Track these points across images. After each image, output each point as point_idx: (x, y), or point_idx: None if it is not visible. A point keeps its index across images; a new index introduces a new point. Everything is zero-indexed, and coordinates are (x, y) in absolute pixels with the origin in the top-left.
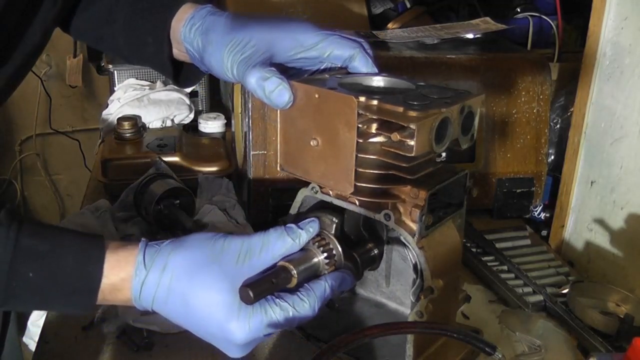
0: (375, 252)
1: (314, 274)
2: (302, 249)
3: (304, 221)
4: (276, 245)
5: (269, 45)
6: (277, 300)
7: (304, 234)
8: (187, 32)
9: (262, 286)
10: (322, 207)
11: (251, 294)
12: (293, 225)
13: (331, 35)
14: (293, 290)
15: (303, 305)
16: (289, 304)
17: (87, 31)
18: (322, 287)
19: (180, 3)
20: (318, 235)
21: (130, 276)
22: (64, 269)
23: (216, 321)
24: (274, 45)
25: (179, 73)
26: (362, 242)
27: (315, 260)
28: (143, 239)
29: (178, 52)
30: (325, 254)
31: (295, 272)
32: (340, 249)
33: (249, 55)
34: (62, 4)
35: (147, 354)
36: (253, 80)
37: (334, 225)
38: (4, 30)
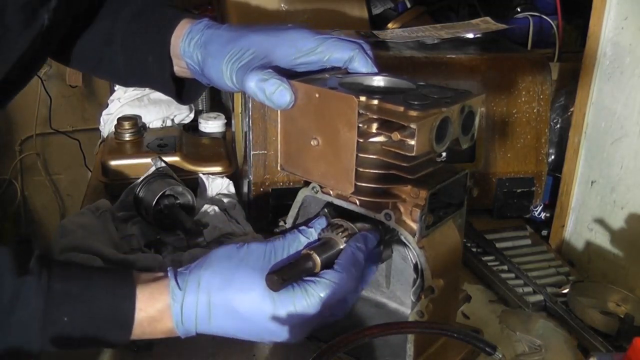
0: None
1: (335, 253)
2: (319, 239)
3: (313, 221)
4: (293, 245)
5: (267, 53)
6: (315, 278)
7: (313, 231)
8: (186, 47)
9: (287, 271)
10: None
11: (277, 278)
12: (304, 227)
13: (329, 39)
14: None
15: (339, 275)
16: (325, 278)
17: (85, 57)
18: (349, 253)
19: (178, 20)
20: (330, 224)
21: (168, 305)
22: (97, 309)
23: (264, 315)
24: (272, 52)
25: (181, 90)
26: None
27: (337, 248)
28: (170, 267)
29: (178, 69)
30: (345, 239)
31: (316, 256)
32: (352, 224)
33: (248, 62)
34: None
35: (147, 353)
36: (252, 83)
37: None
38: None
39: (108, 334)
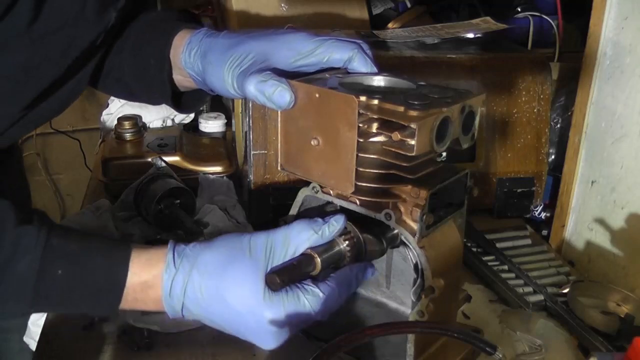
0: (396, 231)
1: (336, 261)
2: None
3: (329, 216)
4: (298, 237)
5: (266, 57)
6: (307, 286)
7: (326, 228)
8: (187, 57)
9: (288, 272)
10: None
11: (278, 279)
12: (319, 219)
13: (327, 40)
14: (319, 279)
15: (331, 290)
16: (319, 289)
17: (98, 67)
18: (347, 274)
19: (179, 28)
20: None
21: (161, 272)
22: (92, 267)
23: (252, 311)
24: (272, 56)
25: (179, 98)
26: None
27: (338, 248)
28: (171, 240)
29: (182, 78)
30: (347, 242)
31: (318, 258)
32: (362, 238)
33: (247, 68)
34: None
35: (147, 353)
36: (252, 87)
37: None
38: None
39: (99, 294)
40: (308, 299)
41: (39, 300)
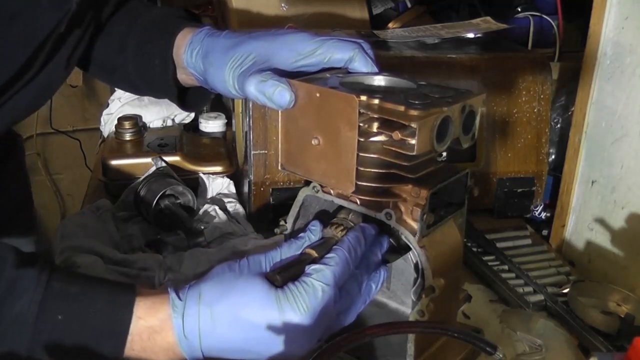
0: None
1: None
2: (321, 238)
3: (307, 226)
4: (289, 251)
5: (267, 57)
6: (310, 269)
7: (309, 232)
8: (188, 58)
9: (286, 268)
10: None
11: (279, 277)
12: (301, 234)
13: (328, 40)
14: None
15: (334, 259)
16: (321, 264)
17: (102, 64)
18: (344, 240)
19: (181, 26)
20: (333, 223)
21: (169, 315)
22: (93, 311)
23: (270, 318)
24: (272, 56)
25: (183, 96)
26: None
27: (332, 239)
28: (170, 285)
29: (186, 77)
30: (340, 231)
31: (315, 252)
32: (349, 218)
33: (248, 68)
34: (83, 38)
35: None
36: (252, 87)
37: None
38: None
39: (101, 340)
40: (315, 277)
41: (37, 347)
